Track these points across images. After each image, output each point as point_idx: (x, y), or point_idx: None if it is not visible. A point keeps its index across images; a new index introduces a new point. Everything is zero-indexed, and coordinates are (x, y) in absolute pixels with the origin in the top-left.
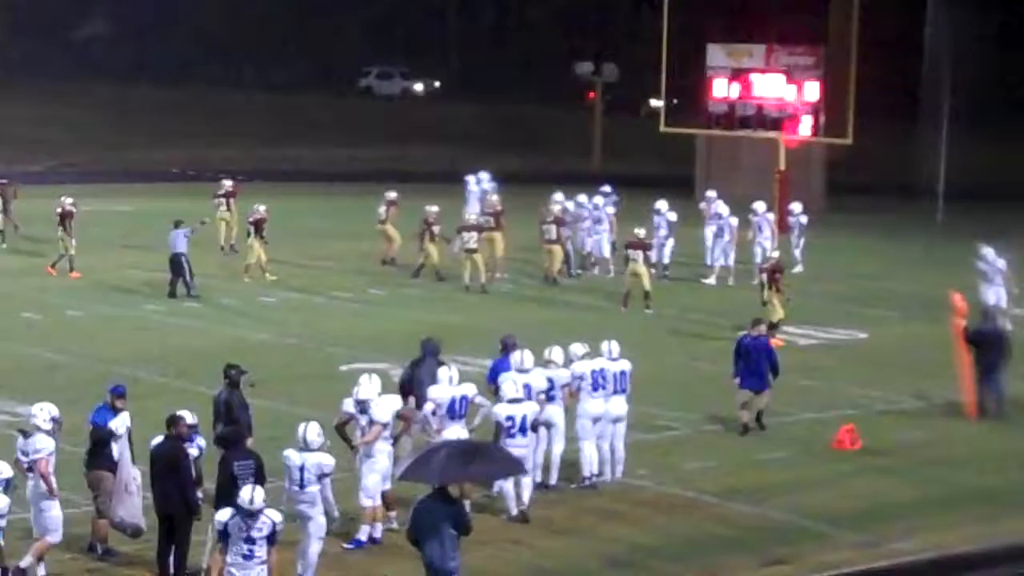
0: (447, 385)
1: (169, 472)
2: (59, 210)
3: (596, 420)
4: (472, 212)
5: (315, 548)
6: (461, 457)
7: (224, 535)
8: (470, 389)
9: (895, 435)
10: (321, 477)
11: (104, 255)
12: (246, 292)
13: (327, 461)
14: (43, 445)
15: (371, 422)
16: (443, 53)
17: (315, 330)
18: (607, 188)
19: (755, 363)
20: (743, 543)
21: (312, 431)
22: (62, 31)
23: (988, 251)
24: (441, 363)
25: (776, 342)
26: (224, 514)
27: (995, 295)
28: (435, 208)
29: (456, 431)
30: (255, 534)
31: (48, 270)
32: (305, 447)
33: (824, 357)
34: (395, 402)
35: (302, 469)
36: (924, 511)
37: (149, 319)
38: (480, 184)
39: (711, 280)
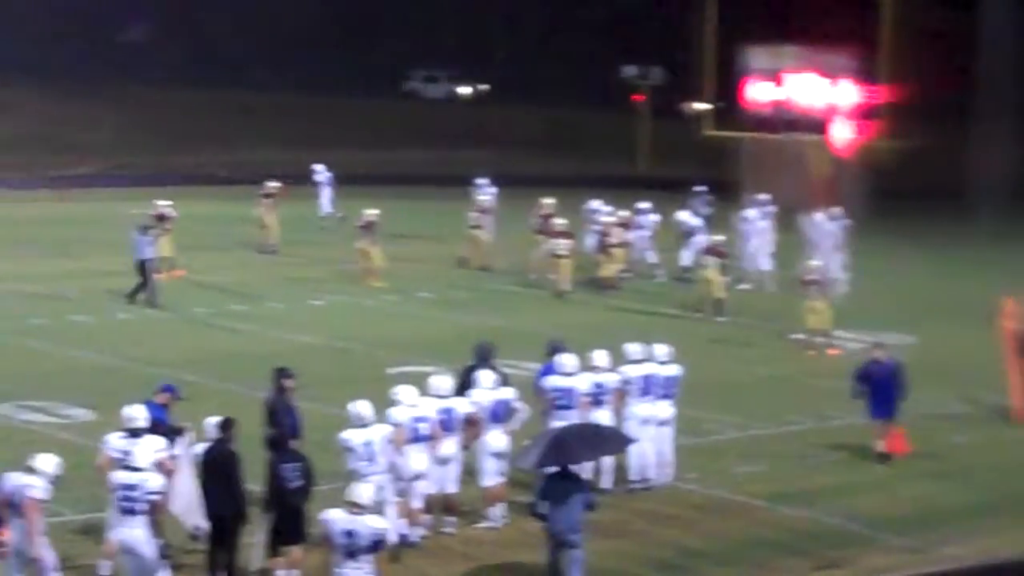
0: (487, 389)
1: (220, 475)
2: (154, 213)
3: (644, 423)
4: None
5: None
6: (576, 439)
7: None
8: (510, 393)
9: (945, 440)
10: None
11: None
12: (294, 295)
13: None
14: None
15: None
16: (489, 56)
17: (364, 333)
18: (701, 188)
19: (883, 390)
20: (793, 547)
21: (358, 407)
22: (108, 34)
23: None
24: (492, 368)
25: (833, 351)
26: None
27: None
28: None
29: (497, 436)
30: (360, 543)
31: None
32: (364, 424)
33: None
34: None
35: (368, 445)
36: (974, 516)
37: (198, 322)
38: (482, 189)
39: (747, 285)
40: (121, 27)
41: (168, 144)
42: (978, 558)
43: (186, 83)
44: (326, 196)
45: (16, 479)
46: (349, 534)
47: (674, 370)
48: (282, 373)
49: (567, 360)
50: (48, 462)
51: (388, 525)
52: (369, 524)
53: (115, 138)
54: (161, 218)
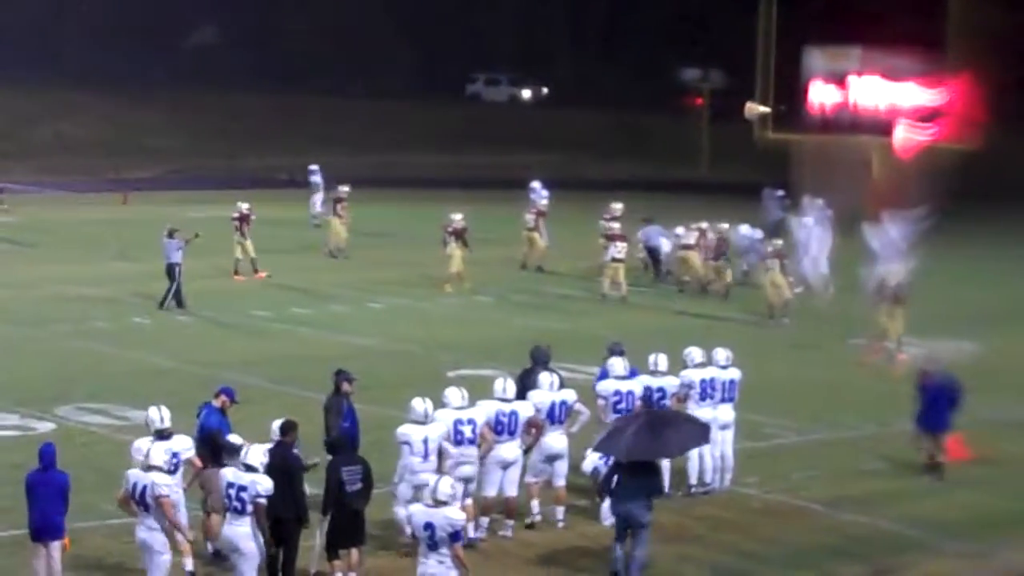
0: (547, 390)
1: (280, 478)
2: (236, 215)
3: None
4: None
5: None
6: (650, 430)
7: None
8: (570, 395)
9: (1003, 446)
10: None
11: (212, 260)
12: (354, 298)
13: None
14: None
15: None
16: (550, 59)
17: (424, 336)
18: (778, 190)
19: (932, 402)
20: (851, 552)
21: (423, 403)
22: (175, 39)
23: None
24: (551, 370)
25: (901, 357)
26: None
27: None
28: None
29: (555, 437)
30: (439, 535)
31: (235, 278)
32: (425, 420)
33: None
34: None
35: (425, 442)
36: None
37: (257, 324)
38: (536, 192)
39: (800, 288)
40: (189, 31)
41: (235, 148)
42: None
43: (253, 88)
44: (318, 197)
45: (144, 477)
46: (428, 527)
47: (734, 374)
48: (341, 375)
49: (617, 364)
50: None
51: (463, 517)
52: (448, 516)
53: (182, 142)
54: (242, 219)
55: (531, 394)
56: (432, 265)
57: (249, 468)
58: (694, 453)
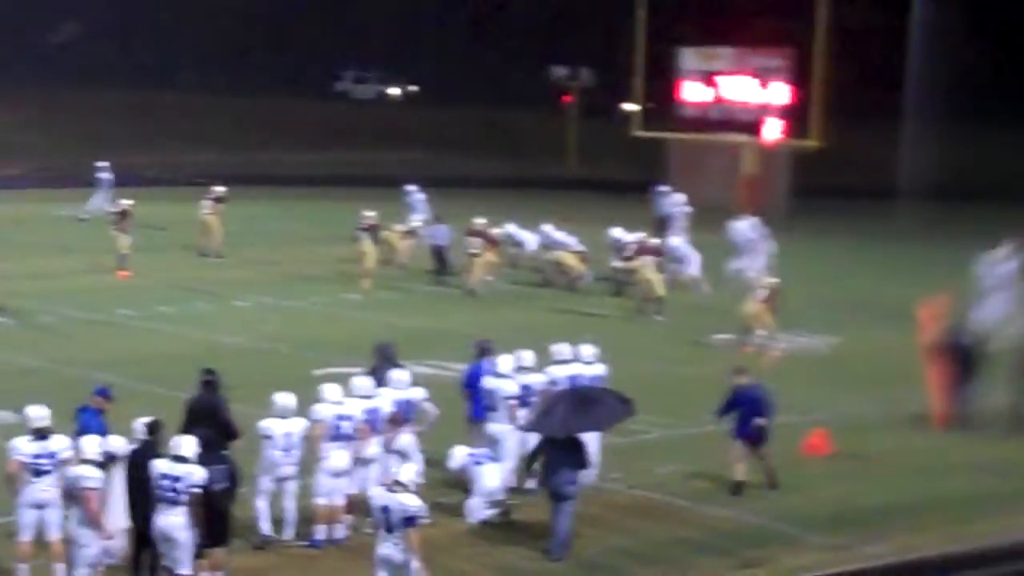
0: (396, 388)
1: (146, 478)
2: (115, 211)
3: None
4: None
5: (292, 504)
6: (578, 406)
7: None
8: (418, 393)
9: (864, 441)
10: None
11: (78, 259)
12: (220, 296)
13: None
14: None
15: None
16: (419, 57)
17: (290, 334)
18: (664, 187)
19: (747, 415)
20: (716, 546)
21: (284, 398)
22: (36, 36)
23: (989, 256)
24: (398, 366)
25: (772, 353)
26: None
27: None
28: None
29: (401, 435)
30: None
31: (120, 275)
32: (286, 415)
33: (794, 363)
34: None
35: (287, 436)
36: (893, 516)
37: (122, 323)
38: (412, 194)
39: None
40: (48, 29)
41: (95, 145)
42: (897, 556)
43: (118, 84)
44: (103, 194)
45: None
46: (385, 510)
47: (599, 370)
48: (211, 374)
49: (503, 362)
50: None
51: (420, 503)
52: (403, 502)
53: (47, 139)
54: (123, 215)
55: (379, 391)
56: (300, 264)
57: (181, 459)
58: None
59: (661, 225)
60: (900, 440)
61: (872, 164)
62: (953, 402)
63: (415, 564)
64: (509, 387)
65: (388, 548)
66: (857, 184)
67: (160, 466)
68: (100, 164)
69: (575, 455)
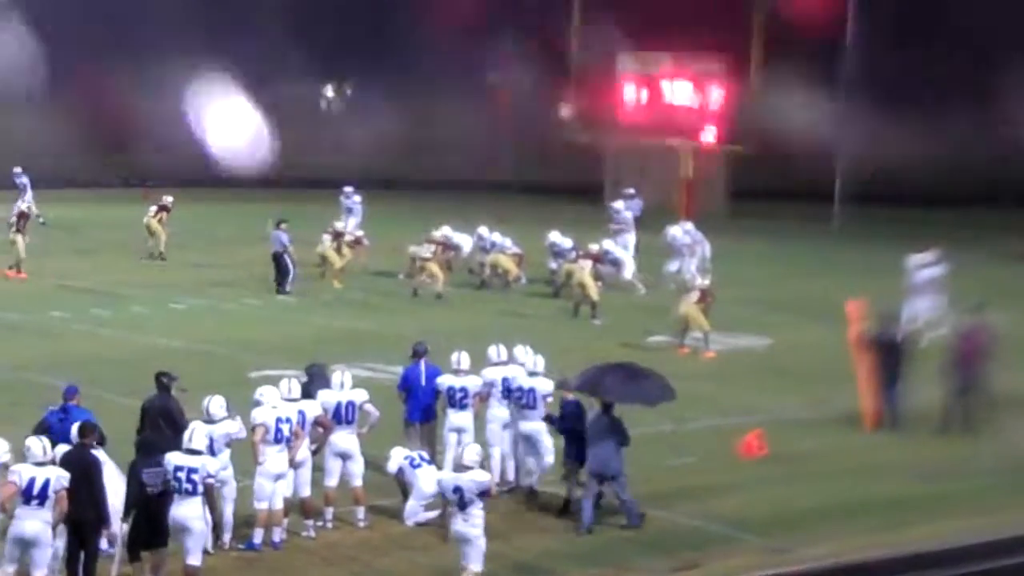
0: (336, 390)
1: (82, 480)
2: (16, 212)
3: (505, 426)
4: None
5: (229, 508)
6: (629, 378)
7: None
8: (359, 395)
9: (798, 442)
10: (229, 444)
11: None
12: (156, 299)
13: (233, 428)
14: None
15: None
16: (352, 57)
17: (225, 336)
18: (629, 190)
19: (572, 430)
20: (653, 547)
21: (216, 403)
22: None
23: (916, 259)
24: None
25: (708, 354)
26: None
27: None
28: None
29: (343, 437)
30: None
31: (6, 272)
32: (209, 419)
33: (728, 364)
34: (311, 408)
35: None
36: (827, 518)
37: (56, 326)
38: (349, 197)
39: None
40: None
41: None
42: (833, 559)
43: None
44: (26, 198)
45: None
46: (457, 490)
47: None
48: (166, 376)
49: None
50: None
51: (489, 476)
52: (475, 479)
53: None
54: (21, 216)
55: (320, 393)
56: (237, 266)
57: (193, 452)
58: (495, 453)
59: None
60: (834, 440)
61: (807, 167)
62: (882, 401)
63: (482, 543)
64: (472, 382)
65: (461, 525)
66: (792, 186)
67: (174, 459)
68: (16, 169)
69: (616, 433)
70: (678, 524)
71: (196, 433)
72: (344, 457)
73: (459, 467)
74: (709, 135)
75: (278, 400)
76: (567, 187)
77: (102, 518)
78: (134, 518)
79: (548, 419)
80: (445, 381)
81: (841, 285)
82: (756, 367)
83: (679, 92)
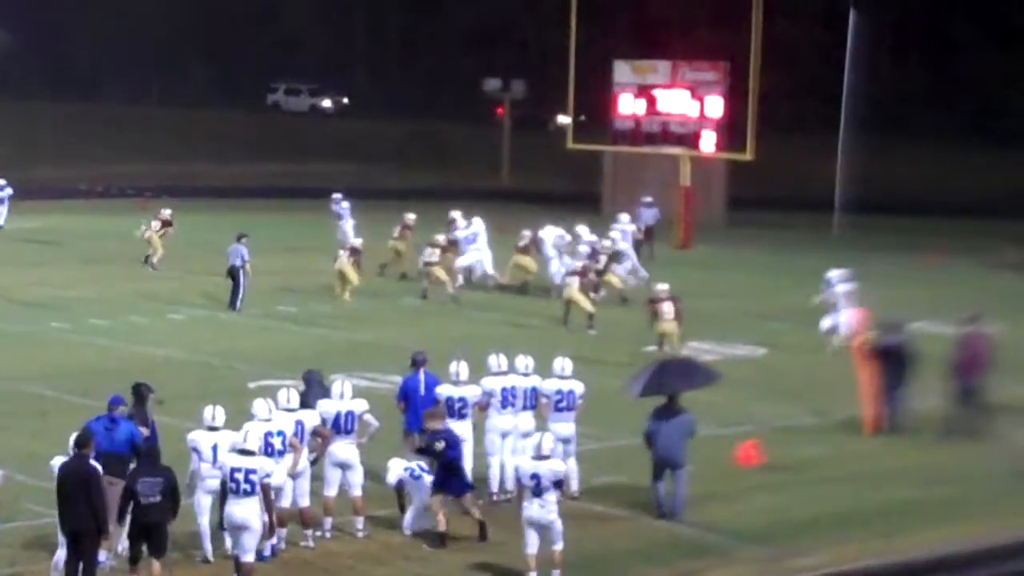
0: (336, 400)
1: (80, 490)
2: None
3: (504, 435)
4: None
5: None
6: (684, 370)
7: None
8: (359, 405)
9: (796, 450)
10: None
11: (9, 272)
12: (154, 309)
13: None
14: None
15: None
16: (351, 70)
17: (223, 347)
18: (647, 199)
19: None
20: (652, 557)
21: (217, 412)
22: None
23: (835, 274)
24: (326, 391)
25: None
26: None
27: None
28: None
29: (342, 447)
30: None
31: None
32: (212, 427)
33: (725, 372)
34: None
35: (214, 448)
36: (825, 526)
37: (55, 336)
38: (338, 204)
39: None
40: None
41: (29, 157)
42: (831, 567)
43: (47, 95)
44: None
45: None
46: (535, 476)
47: (535, 381)
48: (143, 386)
49: (556, 363)
50: None
51: (564, 466)
52: (552, 468)
53: None
54: None
55: (320, 402)
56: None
57: (247, 452)
58: (494, 461)
59: (647, 235)
60: (831, 448)
61: (806, 176)
62: (883, 407)
63: (559, 524)
64: (471, 392)
65: (537, 511)
66: (792, 195)
67: (231, 461)
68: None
69: (682, 424)
70: (676, 533)
71: (250, 435)
72: (343, 467)
73: (538, 456)
74: (708, 143)
75: (270, 413)
76: (565, 195)
77: (101, 528)
78: (131, 529)
79: (423, 450)
80: (444, 391)
81: None
82: (754, 376)
83: (677, 100)
